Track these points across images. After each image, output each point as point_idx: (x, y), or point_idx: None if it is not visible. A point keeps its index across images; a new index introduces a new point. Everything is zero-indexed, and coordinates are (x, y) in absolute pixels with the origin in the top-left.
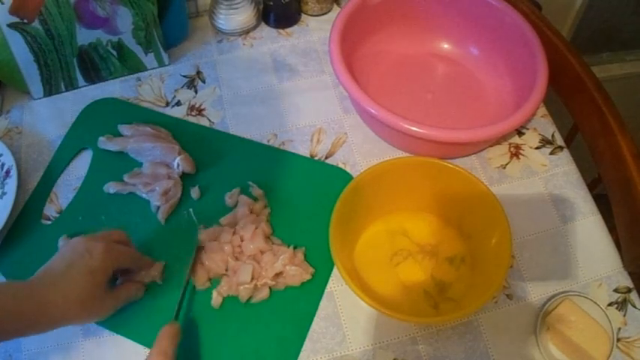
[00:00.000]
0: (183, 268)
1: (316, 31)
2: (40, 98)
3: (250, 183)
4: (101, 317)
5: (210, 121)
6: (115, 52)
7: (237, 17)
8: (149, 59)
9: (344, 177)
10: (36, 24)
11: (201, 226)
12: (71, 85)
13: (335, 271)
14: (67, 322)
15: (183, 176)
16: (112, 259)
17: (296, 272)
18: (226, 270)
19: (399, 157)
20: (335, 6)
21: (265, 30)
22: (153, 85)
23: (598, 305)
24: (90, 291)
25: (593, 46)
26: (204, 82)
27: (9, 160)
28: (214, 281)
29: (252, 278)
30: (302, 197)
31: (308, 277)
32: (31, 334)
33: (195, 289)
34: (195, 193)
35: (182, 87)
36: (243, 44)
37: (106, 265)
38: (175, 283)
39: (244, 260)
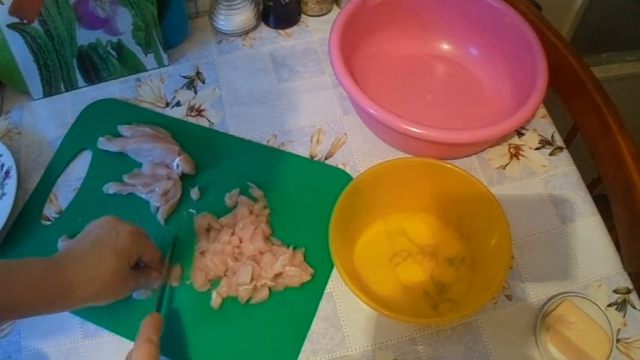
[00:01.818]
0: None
1: (316, 31)
2: (39, 99)
3: (250, 184)
4: (121, 297)
5: (209, 121)
6: (114, 53)
7: (236, 18)
8: (149, 60)
9: (343, 178)
10: (36, 24)
11: None
12: (71, 86)
13: (334, 271)
14: (90, 300)
15: (183, 177)
16: (137, 243)
17: (295, 273)
18: (226, 271)
19: (398, 158)
20: (335, 6)
21: (265, 30)
22: (152, 86)
23: (598, 306)
24: (115, 269)
25: (592, 46)
26: (203, 82)
27: (9, 161)
28: (214, 282)
29: (252, 279)
30: (302, 198)
31: (307, 277)
32: (55, 311)
33: (194, 288)
34: (194, 193)
35: (182, 87)
36: (243, 45)
37: (132, 246)
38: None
39: (244, 261)
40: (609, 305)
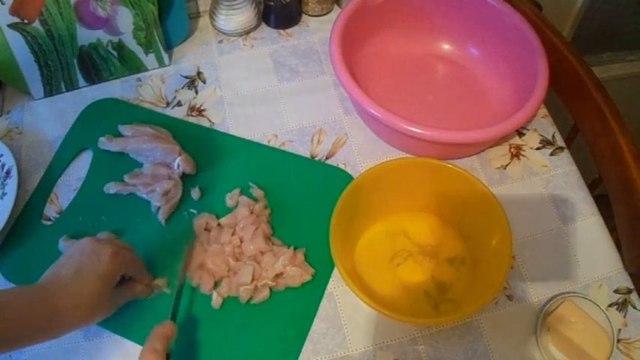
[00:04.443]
0: (179, 265)
1: (317, 31)
2: (40, 98)
3: (251, 184)
4: (109, 314)
5: (210, 121)
6: (115, 53)
7: (237, 18)
8: (149, 60)
9: (344, 178)
10: (36, 24)
11: None
12: (71, 86)
13: (335, 271)
14: (77, 325)
15: (184, 177)
16: (119, 263)
17: (296, 273)
18: (227, 271)
19: (399, 158)
20: (335, 6)
21: (266, 30)
22: (153, 86)
23: (598, 306)
24: (99, 294)
25: (593, 46)
26: (204, 82)
27: (9, 161)
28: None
29: (253, 279)
30: (302, 198)
31: (308, 277)
32: (44, 340)
33: (195, 289)
34: (195, 193)
35: (182, 87)
36: (244, 45)
37: (114, 269)
38: (176, 284)
39: (244, 261)
40: (610, 305)
